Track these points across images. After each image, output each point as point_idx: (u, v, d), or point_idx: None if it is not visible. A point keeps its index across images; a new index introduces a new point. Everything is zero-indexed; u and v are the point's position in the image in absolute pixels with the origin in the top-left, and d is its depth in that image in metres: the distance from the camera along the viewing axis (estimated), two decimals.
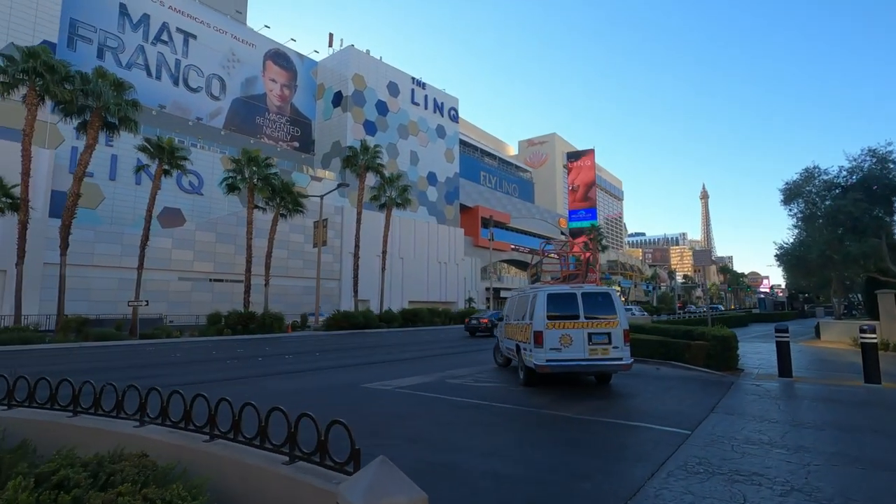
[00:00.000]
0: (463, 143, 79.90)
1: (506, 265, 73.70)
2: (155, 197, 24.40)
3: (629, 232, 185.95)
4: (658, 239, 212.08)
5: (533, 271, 10.71)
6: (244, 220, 34.47)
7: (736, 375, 10.52)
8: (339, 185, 31.20)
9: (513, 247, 72.81)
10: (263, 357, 15.54)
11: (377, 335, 26.56)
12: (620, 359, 8.59)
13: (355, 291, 34.04)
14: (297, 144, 55.12)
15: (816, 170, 15.09)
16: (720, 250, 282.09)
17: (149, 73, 42.98)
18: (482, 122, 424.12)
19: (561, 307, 8.77)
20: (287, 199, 29.31)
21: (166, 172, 25.00)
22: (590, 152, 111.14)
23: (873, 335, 9.28)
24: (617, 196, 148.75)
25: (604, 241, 76.10)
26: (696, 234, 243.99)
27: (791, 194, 15.19)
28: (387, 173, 37.61)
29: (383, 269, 35.99)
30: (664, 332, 13.44)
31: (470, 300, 59.19)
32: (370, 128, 55.24)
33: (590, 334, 8.63)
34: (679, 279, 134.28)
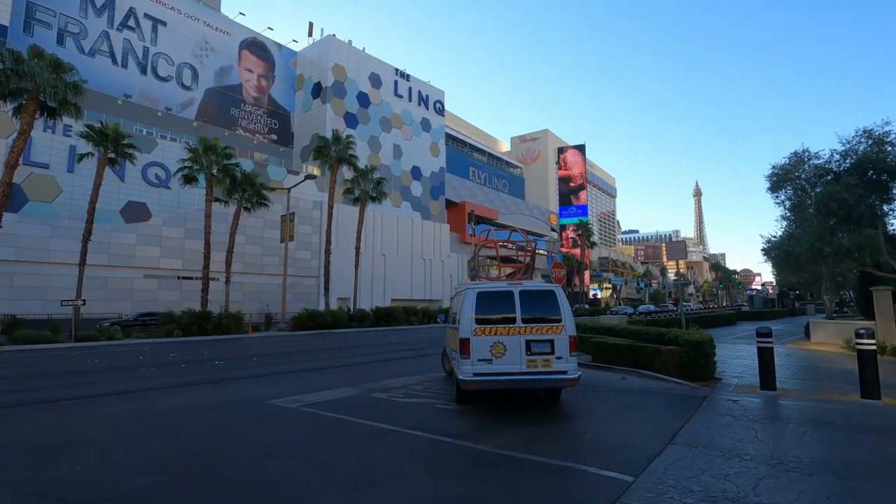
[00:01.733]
0: (452, 139, 78.24)
1: (493, 262, 72.07)
2: (99, 188, 22.59)
3: (623, 229, 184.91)
4: (651, 236, 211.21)
5: (472, 264, 9.11)
6: (217, 214, 32.76)
7: (711, 387, 8.99)
8: (307, 177, 29.48)
9: (501, 243, 71.17)
10: (194, 363, 13.90)
11: (342, 336, 24.94)
12: (565, 372, 7.02)
13: (326, 289, 32.38)
14: (275, 137, 53.25)
15: (806, 153, 13.59)
16: (713, 247, 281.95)
17: (114, 61, 40.97)
18: (475, 118, 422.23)
19: (494, 308, 7.19)
20: (250, 192, 27.56)
21: (112, 161, 23.16)
22: (580, 147, 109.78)
23: (871, 341, 7.78)
24: (610, 193, 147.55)
25: (593, 238, 74.78)
26: (689, 232, 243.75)
27: (779, 180, 13.67)
28: (361, 165, 35.96)
29: (356, 265, 34.34)
30: (634, 335, 11.90)
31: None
32: (351, 120, 53.44)
33: (528, 342, 7.05)
34: (671, 276, 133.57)
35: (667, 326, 12.57)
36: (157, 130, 41.92)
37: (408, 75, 61.05)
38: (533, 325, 7.10)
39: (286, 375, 11.60)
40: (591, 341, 12.21)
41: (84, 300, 22.06)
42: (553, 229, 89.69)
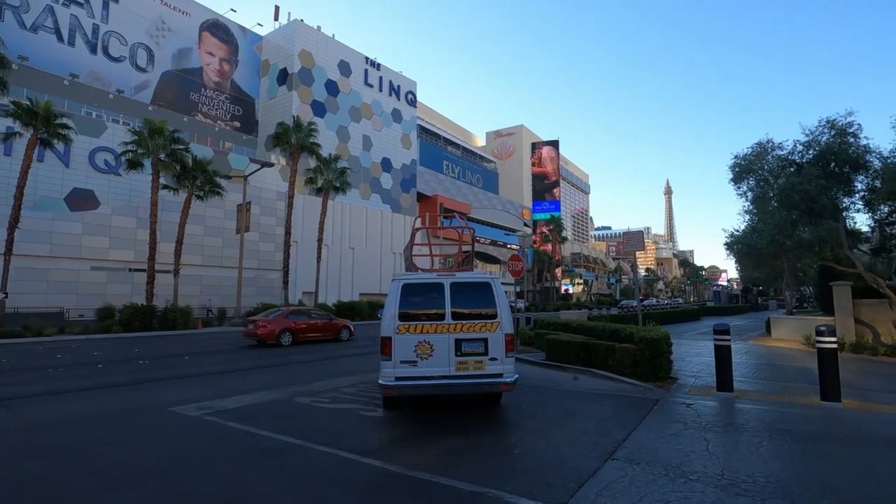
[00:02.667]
0: (426, 132, 77.09)
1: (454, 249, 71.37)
2: (27, 171, 20.67)
3: (596, 226, 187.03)
4: (623, 233, 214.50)
5: (406, 253, 8.23)
6: (172, 203, 30.85)
7: (666, 388, 8.35)
8: (264, 165, 27.97)
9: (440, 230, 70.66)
10: (115, 363, 12.60)
11: None
12: (500, 375, 6.20)
13: (285, 283, 31.03)
14: (238, 125, 51.09)
15: (770, 144, 13.18)
16: (682, 244, 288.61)
17: (59, 38, 38.31)
18: (451, 112, 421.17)
19: (421, 303, 6.31)
20: (202, 179, 25.95)
21: (44, 143, 21.29)
22: (554, 143, 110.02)
23: (832, 339, 7.22)
24: (583, 190, 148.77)
25: (565, 233, 74.94)
26: (660, 229, 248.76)
27: (741, 171, 13.21)
28: (330, 155, 34.54)
29: (318, 258, 33.02)
30: (590, 332, 11.23)
31: None
32: (318, 109, 51.72)
33: (458, 341, 6.21)
34: (642, 272, 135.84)
35: (616, 323, 11.91)
36: (108, 114, 39.46)
37: (378, 64, 59.52)
38: (464, 321, 6.26)
39: (212, 377, 10.50)
40: (545, 338, 11.49)
41: (6, 293, 20.22)
42: (526, 224, 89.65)
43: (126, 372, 11.10)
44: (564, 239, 72.68)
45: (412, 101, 64.41)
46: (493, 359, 6.20)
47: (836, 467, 4.68)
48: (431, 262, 8.32)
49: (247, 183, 28.94)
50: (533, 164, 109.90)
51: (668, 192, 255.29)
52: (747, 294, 63.68)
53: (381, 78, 59.61)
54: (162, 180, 26.12)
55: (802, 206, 12.26)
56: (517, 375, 6.36)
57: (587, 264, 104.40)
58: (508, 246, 77.18)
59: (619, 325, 10.59)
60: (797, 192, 11.88)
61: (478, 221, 74.81)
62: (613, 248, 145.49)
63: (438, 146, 79.20)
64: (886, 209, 12.50)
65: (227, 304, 35.31)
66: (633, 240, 10.77)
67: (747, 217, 15.57)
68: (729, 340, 7.98)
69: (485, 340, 6.23)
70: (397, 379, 6.07)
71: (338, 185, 33.13)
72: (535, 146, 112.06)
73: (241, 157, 44.22)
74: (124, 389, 9.06)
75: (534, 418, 6.58)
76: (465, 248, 8.65)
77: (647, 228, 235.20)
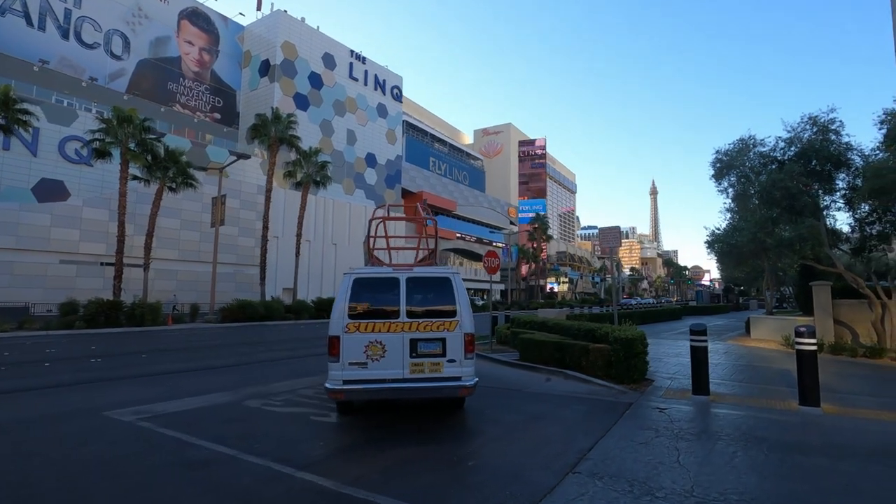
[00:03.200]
0: (412, 128, 76.42)
1: (451, 254, 70.99)
2: None
3: (582, 225, 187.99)
4: (599, 229, 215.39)
5: (366, 247, 7.72)
6: (146, 195, 29.77)
7: (640, 391, 7.96)
8: (239, 156, 27.09)
9: (458, 235, 70.28)
10: (65, 361, 11.87)
11: (272, 329, 23.05)
12: (458, 378, 5.72)
13: (262, 278, 30.23)
14: (218, 116, 49.89)
15: (752, 140, 12.91)
16: (667, 244, 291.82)
17: (29, 22, 36.88)
18: (440, 110, 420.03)
19: (373, 299, 5.81)
20: (174, 171, 25.05)
21: (5, 130, 20.26)
22: (542, 142, 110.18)
23: (812, 340, 6.88)
24: (570, 189, 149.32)
25: (550, 231, 74.94)
26: (645, 229, 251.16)
27: (723, 167, 12.93)
28: (313, 149, 33.76)
29: (297, 253, 32.28)
30: (565, 331, 10.82)
31: None
32: (301, 101, 50.75)
33: (413, 341, 5.71)
34: (627, 272, 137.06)
35: (592, 323, 11.51)
36: (81, 102, 38.14)
37: (364, 58, 58.67)
38: (420, 320, 5.76)
39: (166, 376, 9.86)
40: (519, 337, 11.06)
41: None
42: (512, 223, 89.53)
43: (73, 371, 10.40)
44: (549, 237, 72.66)
45: (398, 96, 63.66)
46: (452, 360, 5.71)
47: (815, 483, 4.28)
48: (389, 257, 7.79)
49: (222, 175, 28.06)
50: (521, 162, 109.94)
51: (654, 192, 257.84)
52: (729, 294, 64.30)
53: (366, 72, 58.76)
54: (133, 171, 25.17)
55: (784, 203, 12.01)
56: (477, 379, 5.89)
57: (573, 263, 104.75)
58: (494, 244, 76.94)
59: (595, 324, 10.20)
60: (778, 189, 11.62)
61: (464, 219, 74.47)
62: (598, 248, 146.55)
63: (425, 143, 78.56)
64: (867, 208, 12.32)
65: (204, 300, 34.39)
66: (610, 236, 10.37)
67: (728, 215, 15.35)
68: (705, 341, 7.60)
69: (442, 340, 5.74)
70: (345, 382, 5.55)
71: (318, 179, 32.40)
72: (524, 144, 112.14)
73: (221, 150, 43.14)
74: (64, 390, 8.39)
75: (497, 424, 6.11)
76: (431, 241, 8.15)
77: (633, 228, 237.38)
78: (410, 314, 5.75)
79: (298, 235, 32.45)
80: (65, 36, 38.87)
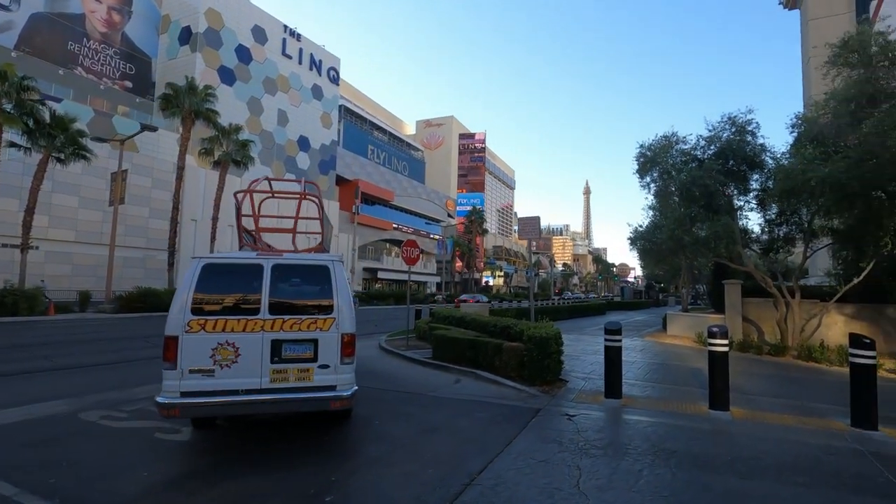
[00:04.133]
0: (351, 113, 73.77)
1: (387, 244, 69.50)
2: None
3: None
4: (543, 229, 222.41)
5: (238, 226, 6.52)
6: (33, 167, 25.87)
7: (553, 393, 7.38)
8: (145, 128, 24.23)
9: (395, 226, 68.86)
10: None
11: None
12: (332, 388, 4.74)
13: (170, 264, 27.53)
14: (129, 85, 45.08)
15: (674, 137, 12.92)
16: (598, 242, 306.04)
17: None
18: (383, 99, 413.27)
19: (227, 290, 4.68)
20: (63, 140, 21.90)
21: None
22: (482, 136, 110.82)
23: (724, 342, 6.57)
24: (509, 185, 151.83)
25: (486, 225, 75.44)
26: (578, 227, 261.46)
27: (646, 162, 12.85)
28: (241, 130, 31.06)
29: (213, 238, 29.68)
30: (482, 328, 10.14)
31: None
32: (227, 76, 47.03)
33: (276, 343, 4.65)
34: (559, 267, 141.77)
35: (510, 318, 10.93)
36: None
37: (299, 35, 55.46)
38: (287, 316, 4.71)
39: (2, 379, 8.08)
40: (432, 334, 10.24)
41: None
42: (450, 215, 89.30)
43: None
44: (485, 231, 73.10)
45: (335, 79, 60.94)
46: (325, 366, 4.72)
47: None
48: (257, 238, 6.62)
49: (123, 148, 25.03)
50: (461, 155, 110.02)
51: (587, 192, 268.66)
52: (650, 290, 67.85)
53: (301, 50, 55.61)
54: (9, 137, 21.72)
55: (702, 201, 12.08)
56: (356, 387, 4.92)
57: (509, 258, 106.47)
58: (431, 236, 76.25)
59: (513, 320, 9.58)
60: (698, 187, 11.64)
61: (401, 209, 73.08)
62: (534, 244, 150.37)
63: (364, 130, 76.20)
64: (776, 209, 12.68)
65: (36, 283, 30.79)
66: (529, 226, 9.78)
67: (651, 213, 15.43)
68: (619, 341, 7.13)
69: (314, 342, 4.73)
70: (184, 395, 4.40)
71: (239, 158, 29.89)
72: (465, 137, 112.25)
73: (132, 122, 38.90)
74: None
75: (381, 440, 5.20)
76: (313, 225, 7.05)
77: (567, 226, 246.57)
78: (275, 309, 4.69)
79: (214, 219, 29.86)
80: None
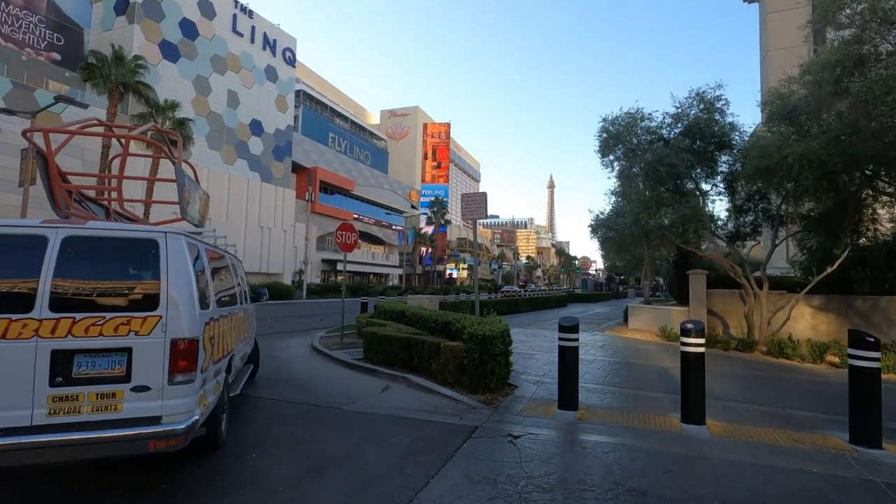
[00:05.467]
0: (311, 99, 70.68)
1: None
2: None
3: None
4: (507, 222, 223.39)
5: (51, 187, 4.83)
6: None
7: (496, 403, 6.06)
8: (61, 100, 21.45)
9: (356, 216, 66.57)
10: None
11: None
12: (156, 419, 3.20)
13: None
14: (58, 57, 40.97)
15: (639, 113, 11.83)
16: (561, 236, 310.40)
17: None
18: (348, 87, 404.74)
19: None
20: None
21: None
22: (446, 127, 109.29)
23: (700, 341, 5.44)
24: (474, 177, 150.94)
25: (448, 216, 74.24)
26: (542, 220, 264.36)
27: (609, 139, 11.69)
28: (185, 109, 28.36)
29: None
30: (423, 324, 8.71)
31: (300, 272, 51.56)
32: (170, 51, 43.56)
33: (59, 355, 3.08)
34: (523, 260, 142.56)
35: (451, 313, 9.53)
36: None
37: (251, 11, 52.19)
38: (80, 315, 3.14)
39: None
40: (363, 331, 8.77)
41: None
42: (414, 207, 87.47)
43: None
44: (448, 222, 71.84)
45: (291, 60, 57.90)
46: (142, 388, 3.18)
47: None
48: (57, 203, 4.91)
49: (34, 121, 22.14)
50: (425, 146, 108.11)
51: (552, 186, 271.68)
52: (611, 282, 68.39)
53: (253, 28, 52.36)
54: None
55: (669, 182, 11.09)
56: (198, 416, 3.40)
57: (472, 250, 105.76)
58: (393, 227, 74.37)
59: (458, 315, 8.22)
60: (664, 166, 10.61)
61: (362, 199, 70.76)
62: (498, 236, 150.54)
63: (325, 116, 73.24)
64: (744, 194, 11.86)
65: None
66: (475, 204, 8.42)
67: (613, 199, 14.41)
68: (576, 341, 5.86)
69: (126, 352, 3.18)
70: None
71: (175, 139, 27.21)
72: (429, 128, 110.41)
73: (48, 94, 35.20)
74: None
75: (246, 484, 3.69)
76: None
77: (531, 219, 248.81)
78: (61, 304, 3.11)
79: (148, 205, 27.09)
80: None
